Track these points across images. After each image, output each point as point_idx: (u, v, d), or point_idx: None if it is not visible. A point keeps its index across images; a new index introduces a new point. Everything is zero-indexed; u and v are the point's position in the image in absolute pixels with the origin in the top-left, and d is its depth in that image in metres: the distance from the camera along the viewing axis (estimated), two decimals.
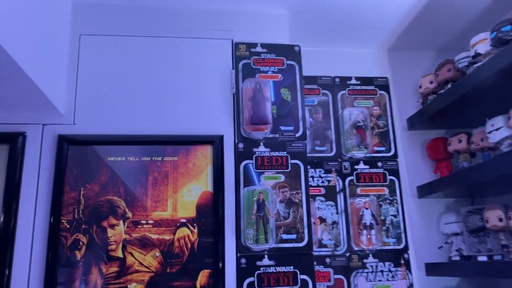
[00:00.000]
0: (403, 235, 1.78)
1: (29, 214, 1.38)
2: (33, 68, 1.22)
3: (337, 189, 1.81)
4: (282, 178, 1.53)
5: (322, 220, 1.77)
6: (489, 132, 1.52)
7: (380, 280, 1.73)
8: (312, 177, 1.81)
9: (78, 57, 1.56)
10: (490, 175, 1.43)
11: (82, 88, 1.53)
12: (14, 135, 1.42)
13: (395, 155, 1.87)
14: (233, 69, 1.62)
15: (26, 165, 1.42)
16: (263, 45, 1.66)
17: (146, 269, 1.38)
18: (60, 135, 1.45)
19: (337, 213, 1.78)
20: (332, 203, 1.79)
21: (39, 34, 1.30)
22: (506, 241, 1.53)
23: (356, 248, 1.74)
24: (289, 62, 1.66)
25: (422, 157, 1.92)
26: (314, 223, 1.73)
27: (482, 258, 1.60)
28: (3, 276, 1.30)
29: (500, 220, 1.52)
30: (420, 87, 1.89)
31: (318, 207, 1.78)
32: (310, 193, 1.62)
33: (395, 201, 1.82)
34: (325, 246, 1.74)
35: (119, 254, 1.38)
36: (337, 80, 1.95)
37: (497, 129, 1.49)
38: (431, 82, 1.84)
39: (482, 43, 1.53)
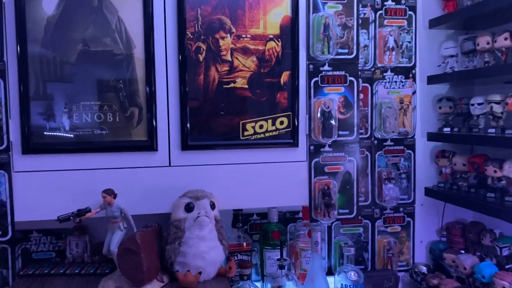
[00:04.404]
0: (413, 57, 2.41)
1: (161, 27, 1.87)
2: None
3: (370, 20, 2.35)
4: (340, 7, 2.05)
5: None
6: None
7: (393, 88, 2.41)
8: None
9: None
10: (484, 9, 2.00)
11: None
12: None
13: None
14: None
15: None
16: None
17: (247, 69, 1.96)
18: None
19: (368, 38, 2.35)
20: (365, 31, 2.35)
21: None
22: (488, 58, 2.19)
23: (379, 65, 2.37)
24: None
25: None
26: None
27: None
28: (150, 74, 1.86)
29: (488, 43, 2.15)
30: None
31: None
32: None
33: (411, 31, 2.40)
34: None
35: (229, 58, 1.94)
36: None
37: None
38: None
39: None
